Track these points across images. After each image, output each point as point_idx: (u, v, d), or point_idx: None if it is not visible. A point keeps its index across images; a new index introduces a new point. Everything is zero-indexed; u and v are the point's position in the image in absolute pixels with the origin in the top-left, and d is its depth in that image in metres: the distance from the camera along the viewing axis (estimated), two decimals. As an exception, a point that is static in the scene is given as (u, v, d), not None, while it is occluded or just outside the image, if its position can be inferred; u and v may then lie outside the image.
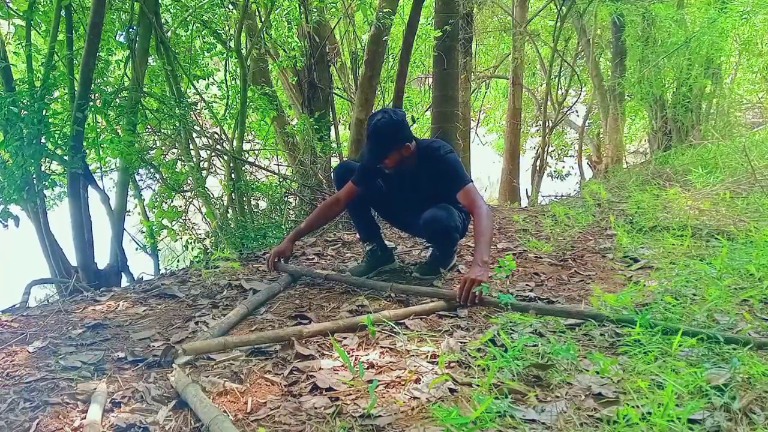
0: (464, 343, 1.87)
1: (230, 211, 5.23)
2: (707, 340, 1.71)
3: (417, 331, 2.00)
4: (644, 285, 2.35)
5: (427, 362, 1.72)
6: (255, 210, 5.38)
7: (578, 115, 12.36)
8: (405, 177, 2.71)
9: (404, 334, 1.95)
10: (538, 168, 9.58)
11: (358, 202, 2.84)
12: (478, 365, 1.66)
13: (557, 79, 10.57)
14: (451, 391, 1.54)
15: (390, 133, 2.54)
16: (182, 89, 5.20)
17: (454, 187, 2.56)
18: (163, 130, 5.10)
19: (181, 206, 5.59)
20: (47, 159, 3.86)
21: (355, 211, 2.96)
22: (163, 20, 5.00)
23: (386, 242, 3.06)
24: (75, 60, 3.95)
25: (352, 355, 1.81)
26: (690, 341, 1.67)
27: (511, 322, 2.03)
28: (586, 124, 11.17)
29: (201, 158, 5.43)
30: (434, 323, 2.10)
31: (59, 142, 3.76)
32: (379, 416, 1.41)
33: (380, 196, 2.88)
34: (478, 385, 1.55)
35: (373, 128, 2.56)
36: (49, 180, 3.84)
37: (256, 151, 7.01)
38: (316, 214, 2.92)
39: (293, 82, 6.73)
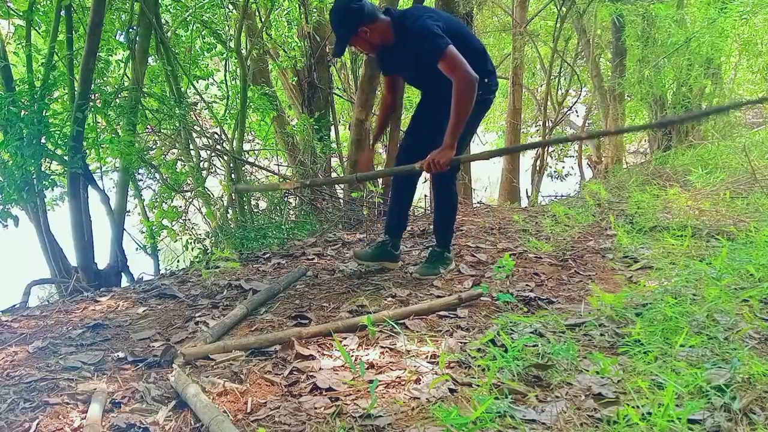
0: (464, 343, 1.87)
1: (230, 211, 5.23)
2: (708, 340, 1.71)
3: (417, 331, 2.00)
4: (644, 285, 2.35)
5: (427, 362, 1.72)
6: (255, 210, 5.39)
7: (578, 115, 12.35)
8: (394, 56, 2.67)
9: (404, 334, 1.95)
10: (538, 168, 9.56)
11: (406, 186, 2.91)
12: (478, 365, 1.66)
13: (557, 79, 10.57)
14: (451, 391, 1.54)
15: (341, 20, 2.50)
16: (182, 89, 5.21)
17: (433, 61, 2.45)
18: (163, 130, 5.11)
19: (181, 206, 5.59)
20: (47, 159, 3.87)
21: (397, 197, 2.95)
22: (163, 20, 5.00)
23: None
24: (75, 60, 3.95)
25: (352, 356, 1.81)
26: (690, 341, 1.67)
27: (511, 322, 2.03)
28: (586, 124, 11.17)
29: (201, 158, 5.43)
30: (434, 323, 2.10)
31: (59, 142, 3.76)
32: (379, 416, 1.41)
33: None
34: (478, 386, 1.55)
35: (329, 16, 2.55)
36: (49, 180, 3.84)
37: (256, 151, 7.02)
38: (379, 114, 3.08)
39: (293, 82, 6.73)
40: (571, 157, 12.18)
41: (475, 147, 10.96)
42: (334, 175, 6.70)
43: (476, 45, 2.67)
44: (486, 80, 2.60)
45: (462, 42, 2.52)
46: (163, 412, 1.49)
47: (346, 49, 7.06)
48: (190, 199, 5.79)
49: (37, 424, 1.45)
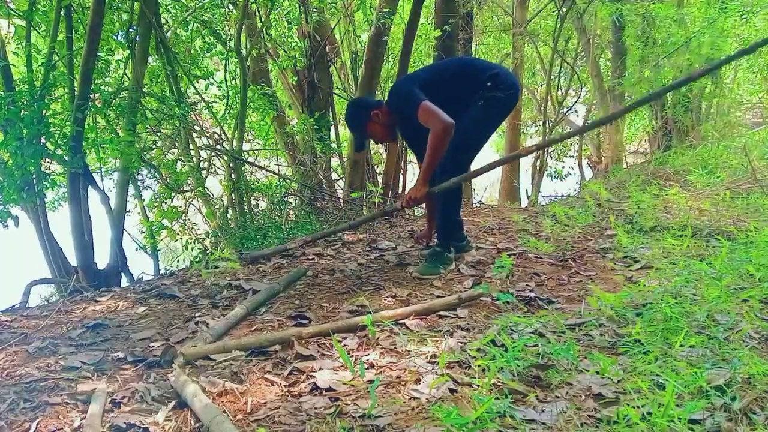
0: (464, 343, 1.87)
1: (230, 211, 5.23)
2: (708, 340, 1.71)
3: (417, 332, 2.00)
4: (644, 285, 2.35)
5: (427, 362, 1.72)
6: (255, 210, 5.39)
7: (578, 115, 12.35)
8: (407, 127, 2.96)
9: (404, 334, 1.95)
10: (538, 168, 9.57)
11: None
12: (478, 365, 1.66)
13: (557, 79, 10.57)
14: (451, 391, 1.54)
15: (353, 114, 2.93)
16: (182, 89, 5.21)
17: (416, 118, 2.69)
18: (163, 130, 5.11)
19: (181, 206, 5.59)
20: (47, 159, 3.87)
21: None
22: (163, 20, 5.00)
23: (387, 242, 3.09)
24: (75, 60, 3.95)
25: (352, 356, 1.81)
26: (690, 341, 1.67)
27: (511, 322, 2.03)
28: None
29: (201, 158, 5.43)
30: (434, 323, 2.10)
31: (59, 142, 3.76)
32: (379, 416, 1.41)
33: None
34: (478, 386, 1.55)
35: (346, 123, 2.96)
36: (50, 180, 3.84)
37: (256, 151, 7.02)
38: None
39: (293, 82, 6.73)
40: (571, 157, 12.19)
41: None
42: (333, 175, 6.72)
43: (464, 68, 2.93)
44: (488, 84, 2.80)
45: (446, 77, 2.85)
46: (163, 412, 1.49)
47: (346, 51, 7.15)
48: (190, 199, 5.79)
49: (37, 424, 1.45)
